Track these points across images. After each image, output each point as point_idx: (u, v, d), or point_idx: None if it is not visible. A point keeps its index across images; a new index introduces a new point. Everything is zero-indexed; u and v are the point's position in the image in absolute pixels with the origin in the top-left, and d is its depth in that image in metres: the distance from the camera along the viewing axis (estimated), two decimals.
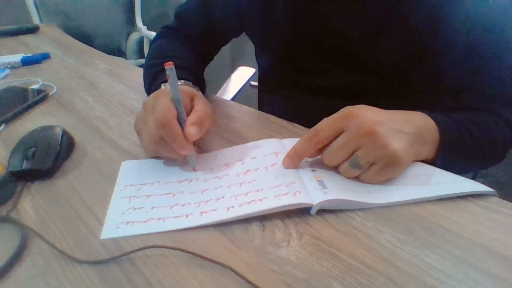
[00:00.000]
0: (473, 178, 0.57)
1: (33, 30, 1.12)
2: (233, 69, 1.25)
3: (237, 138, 0.51)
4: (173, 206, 0.38)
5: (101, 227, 0.36)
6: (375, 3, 0.51)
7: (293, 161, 0.41)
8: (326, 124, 0.39)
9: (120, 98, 0.65)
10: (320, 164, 0.42)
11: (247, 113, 0.60)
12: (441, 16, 0.48)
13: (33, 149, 0.44)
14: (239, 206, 0.37)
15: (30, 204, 0.39)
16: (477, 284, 0.29)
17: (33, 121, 0.58)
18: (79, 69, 0.81)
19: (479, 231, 0.35)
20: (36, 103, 0.63)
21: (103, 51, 0.94)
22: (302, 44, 0.59)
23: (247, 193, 0.38)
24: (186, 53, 0.64)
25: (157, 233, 0.35)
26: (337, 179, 0.40)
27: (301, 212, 0.37)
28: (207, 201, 0.38)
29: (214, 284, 0.30)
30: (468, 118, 0.47)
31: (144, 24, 1.98)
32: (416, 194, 0.38)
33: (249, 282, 0.30)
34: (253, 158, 0.45)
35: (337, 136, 0.38)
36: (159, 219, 0.37)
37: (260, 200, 0.37)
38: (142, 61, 1.89)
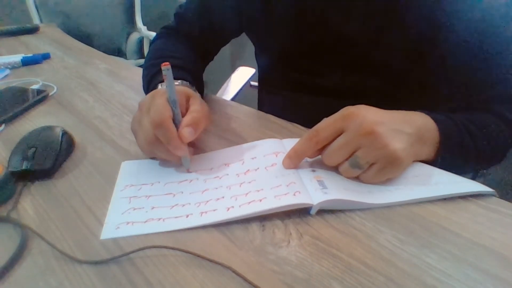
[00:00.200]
0: (473, 178, 0.57)
1: (33, 30, 1.12)
2: (233, 69, 1.25)
3: (237, 138, 0.51)
4: (173, 206, 0.38)
5: (101, 227, 0.36)
6: (375, 3, 0.51)
7: (293, 161, 0.41)
8: (326, 124, 0.39)
9: (120, 98, 0.65)
10: (320, 164, 0.42)
11: (247, 113, 0.60)
12: (440, 16, 0.48)
13: (33, 149, 0.44)
14: (239, 206, 0.37)
15: (30, 204, 0.39)
16: (477, 284, 0.29)
17: (33, 121, 0.58)
18: (79, 69, 0.81)
19: (479, 231, 0.35)
20: (36, 103, 0.63)
21: (103, 51, 0.94)
22: (302, 44, 0.59)
23: (247, 193, 0.38)
24: (185, 53, 0.64)
25: (157, 233, 0.35)
26: (337, 179, 0.40)
27: (301, 212, 0.37)
28: (207, 201, 0.38)
29: (214, 284, 0.30)
30: (468, 118, 0.47)
31: (144, 24, 1.98)
32: (416, 194, 0.38)
33: (249, 282, 0.30)
34: (253, 158, 0.45)
35: (337, 136, 0.38)
36: (159, 219, 0.37)
37: (260, 200, 0.37)
38: (142, 61, 1.88)
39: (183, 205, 0.38)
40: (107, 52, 0.96)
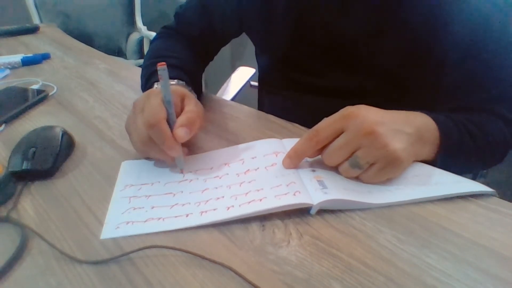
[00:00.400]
0: (473, 178, 0.57)
1: (33, 30, 1.12)
2: (233, 69, 1.25)
3: (237, 138, 0.51)
4: (173, 206, 0.38)
5: (101, 227, 0.36)
6: (375, 4, 0.51)
7: (293, 161, 0.41)
8: (326, 124, 0.39)
9: (120, 98, 0.65)
10: (320, 164, 0.42)
11: (247, 113, 0.60)
12: (440, 17, 0.48)
13: (33, 149, 0.44)
14: (239, 206, 0.37)
15: (30, 204, 0.39)
16: (477, 284, 0.29)
17: (33, 121, 0.58)
18: (79, 69, 0.81)
19: (479, 231, 0.35)
20: (36, 103, 0.63)
21: (103, 51, 0.94)
22: (302, 44, 0.59)
23: (247, 193, 0.38)
24: (184, 53, 0.64)
25: (157, 233, 0.35)
26: (337, 179, 0.40)
27: (301, 212, 0.37)
28: (207, 201, 0.38)
29: (214, 284, 0.30)
30: (468, 119, 0.47)
31: (144, 24, 1.98)
32: (416, 194, 0.38)
33: (249, 282, 0.30)
34: (253, 158, 0.45)
35: (337, 136, 0.38)
36: (159, 219, 0.37)
37: (260, 200, 0.37)
38: (142, 61, 1.89)
39: (183, 205, 0.38)
40: (107, 52, 0.96)
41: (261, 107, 0.81)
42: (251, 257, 0.32)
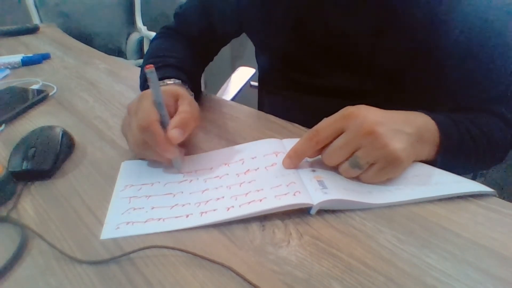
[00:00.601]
0: (473, 178, 0.57)
1: (33, 30, 1.12)
2: (233, 69, 1.25)
3: (237, 138, 0.51)
4: (173, 206, 0.38)
5: (101, 227, 0.36)
6: (375, 4, 0.51)
7: (293, 161, 0.41)
8: (326, 124, 0.39)
9: (120, 98, 0.65)
10: (320, 164, 0.42)
11: (247, 113, 0.60)
12: (440, 17, 0.48)
13: (33, 149, 0.44)
14: (239, 206, 0.37)
15: (30, 204, 0.39)
16: (477, 284, 0.29)
17: (33, 121, 0.58)
18: (79, 69, 0.81)
19: (479, 231, 0.35)
20: (36, 103, 0.63)
21: (103, 51, 0.94)
22: (302, 44, 0.59)
23: (247, 193, 0.38)
24: (183, 53, 0.63)
25: (157, 233, 0.35)
26: (337, 179, 0.40)
27: (301, 212, 0.37)
28: (207, 201, 0.38)
29: (214, 284, 0.30)
30: (469, 119, 0.47)
31: (144, 24, 1.98)
32: (416, 194, 0.38)
33: (249, 282, 0.30)
34: (253, 158, 0.45)
35: (337, 136, 0.38)
36: (159, 219, 0.37)
37: (260, 200, 0.37)
38: (142, 61, 1.89)
39: (183, 205, 0.38)
40: (107, 52, 0.96)
41: (261, 107, 0.81)
42: (251, 257, 0.32)
